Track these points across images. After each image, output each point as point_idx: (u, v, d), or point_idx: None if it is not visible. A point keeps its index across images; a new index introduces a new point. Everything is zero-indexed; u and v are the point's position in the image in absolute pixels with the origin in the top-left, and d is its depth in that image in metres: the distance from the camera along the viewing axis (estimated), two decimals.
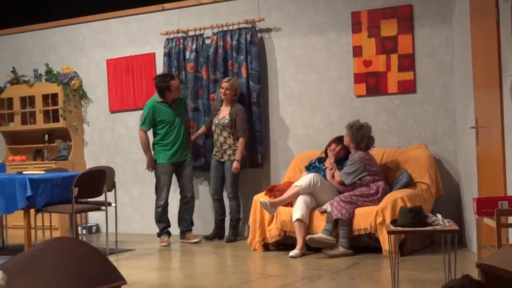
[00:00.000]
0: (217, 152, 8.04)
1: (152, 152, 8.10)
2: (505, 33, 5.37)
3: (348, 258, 6.57)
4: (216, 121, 8.01)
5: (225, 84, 7.94)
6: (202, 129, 8.31)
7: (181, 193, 8.10)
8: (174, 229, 8.18)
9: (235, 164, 7.85)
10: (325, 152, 7.46)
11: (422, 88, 7.60)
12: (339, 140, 7.33)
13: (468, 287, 2.87)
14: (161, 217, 8.03)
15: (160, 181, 8.02)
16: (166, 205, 8.04)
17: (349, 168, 7.00)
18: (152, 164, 8.06)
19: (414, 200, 6.56)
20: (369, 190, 6.89)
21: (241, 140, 7.89)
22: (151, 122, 8.02)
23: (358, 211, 6.75)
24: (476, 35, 6.29)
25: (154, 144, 8.09)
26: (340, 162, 7.26)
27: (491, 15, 5.63)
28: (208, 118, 8.28)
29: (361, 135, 7.04)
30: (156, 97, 8.06)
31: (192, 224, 8.14)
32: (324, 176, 7.20)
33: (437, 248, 6.08)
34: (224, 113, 7.97)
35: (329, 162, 7.28)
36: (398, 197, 6.63)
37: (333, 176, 7.16)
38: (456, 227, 5.02)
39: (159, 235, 8.04)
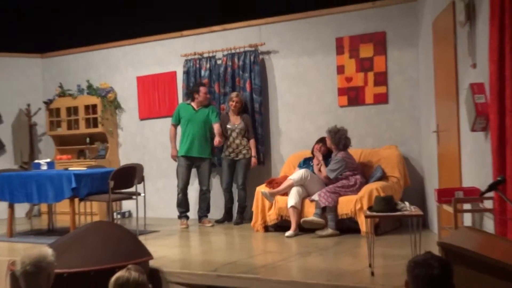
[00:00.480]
0: (232, 152, 7.93)
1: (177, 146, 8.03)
2: (461, 54, 5.35)
3: (334, 237, 6.54)
4: (231, 127, 7.92)
5: (235, 98, 7.89)
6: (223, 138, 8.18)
7: (199, 185, 8.00)
8: (193, 214, 8.10)
9: (254, 160, 7.86)
10: (312, 152, 7.42)
11: (393, 99, 7.56)
12: (320, 140, 7.33)
13: (430, 260, 2.81)
14: (180, 203, 7.94)
15: (178, 172, 7.96)
16: (184, 192, 7.93)
17: (333, 166, 6.97)
18: (175, 155, 7.98)
19: (386, 190, 6.54)
20: (349, 183, 6.87)
21: (252, 140, 7.89)
22: (177, 118, 7.96)
23: (341, 199, 6.73)
24: (437, 56, 6.27)
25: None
26: (324, 158, 7.23)
27: (450, 39, 5.62)
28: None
29: (339, 137, 7.02)
30: (187, 100, 8.07)
31: (208, 211, 8.05)
32: (313, 171, 7.16)
33: (405, 229, 6.03)
34: (237, 121, 7.91)
35: (317, 160, 7.22)
36: (373, 188, 6.62)
37: (320, 170, 7.10)
38: (420, 212, 5.02)
39: (180, 218, 7.95)
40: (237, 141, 7.91)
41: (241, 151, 7.90)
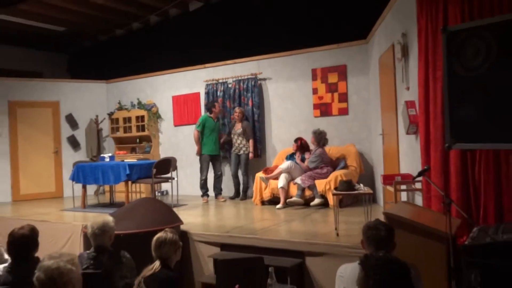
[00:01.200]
0: (236, 149, 7.90)
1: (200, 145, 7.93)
2: (399, 80, 5.35)
3: (308, 209, 6.48)
4: (233, 132, 7.91)
5: (237, 110, 7.86)
6: (226, 136, 8.15)
7: (214, 172, 7.95)
8: (211, 193, 8.06)
9: (251, 155, 7.78)
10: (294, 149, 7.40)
11: (352, 112, 7.51)
12: (295, 141, 7.29)
13: (378, 225, 2.82)
14: (203, 186, 7.89)
15: (202, 165, 7.88)
16: (206, 179, 7.88)
17: (313, 159, 6.92)
18: (200, 152, 7.87)
19: (347, 176, 6.50)
20: (322, 171, 6.81)
21: (251, 141, 7.81)
22: (202, 126, 7.85)
23: (316, 182, 6.67)
24: (382, 81, 6.26)
25: (201, 141, 7.90)
26: (301, 152, 7.20)
27: (390, 70, 5.61)
28: (228, 131, 8.12)
29: (320, 137, 7.00)
30: (207, 113, 7.96)
31: (221, 190, 8.00)
32: (296, 162, 7.09)
33: (360, 203, 6.01)
34: (238, 127, 7.86)
35: (298, 155, 7.21)
36: (338, 174, 6.59)
37: (301, 161, 7.08)
38: (371, 191, 5.04)
39: (202, 196, 7.92)
40: (239, 141, 7.87)
41: (241, 148, 7.85)
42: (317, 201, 6.57)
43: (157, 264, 3.07)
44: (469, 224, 3.61)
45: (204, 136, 7.82)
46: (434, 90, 4.01)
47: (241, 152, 7.85)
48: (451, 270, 2.99)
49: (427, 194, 4.18)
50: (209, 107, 8.03)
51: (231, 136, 7.96)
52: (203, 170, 7.86)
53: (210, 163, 7.91)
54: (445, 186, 3.90)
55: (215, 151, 7.85)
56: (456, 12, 3.83)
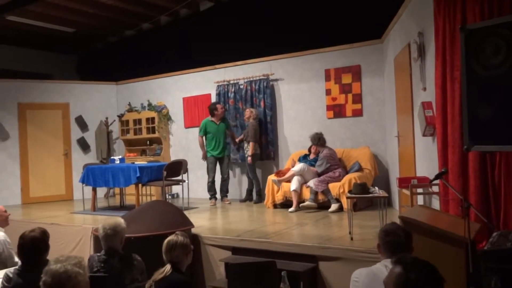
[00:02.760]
0: (245, 152, 7.90)
1: (205, 149, 7.96)
2: (415, 81, 5.31)
3: (322, 213, 6.44)
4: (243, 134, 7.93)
5: (246, 111, 7.90)
6: (241, 137, 8.12)
7: (221, 174, 7.96)
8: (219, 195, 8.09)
9: (249, 158, 7.68)
10: (309, 150, 7.37)
11: (366, 113, 7.47)
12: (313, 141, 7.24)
13: (397, 230, 2.80)
14: (210, 188, 7.90)
15: (208, 167, 7.89)
16: (213, 181, 7.87)
17: (319, 162, 6.89)
18: (205, 157, 7.89)
19: (362, 178, 6.46)
20: (334, 174, 6.76)
21: (251, 143, 7.67)
22: (204, 131, 7.88)
23: (330, 186, 6.63)
24: (398, 82, 6.23)
25: (206, 145, 7.95)
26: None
27: (406, 70, 5.58)
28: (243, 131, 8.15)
29: (317, 138, 6.97)
30: (209, 117, 7.95)
31: (227, 192, 7.99)
32: (310, 165, 7.06)
33: (375, 207, 5.98)
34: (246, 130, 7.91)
35: (314, 155, 7.19)
36: (352, 177, 6.55)
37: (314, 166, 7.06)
38: (386, 194, 4.99)
39: (210, 198, 7.93)
40: (245, 145, 7.85)
41: (246, 152, 7.80)
42: (333, 207, 6.49)
43: (168, 267, 3.07)
44: (489, 228, 3.57)
45: (208, 139, 7.86)
46: (451, 91, 3.98)
47: (246, 155, 7.83)
48: (470, 275, 2.95)
49: (445, 197, 4.14)
50: (211, 110, 7.95)
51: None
52: (209, 173, 7.88)
53: (218, 165, 7.93)
54: (463, 189, 3.86)
55: (219, 153, 7.85)
56: (475, 10, 3.79)
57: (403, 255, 1.98)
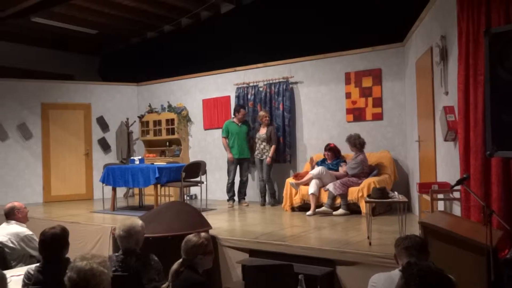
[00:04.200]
0: (259, 153, 7.89)
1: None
2: (437, 85, 5.25)
3: (343, 217, 6.43)
4: (258, 136, 7.90)
5: (264, 114, 7.86)
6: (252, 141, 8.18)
7: (240, 176, 8.00)
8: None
9: (268, 159, 7.72)
10: (324, 155, 7.34)
11: (386, 117, 7.42)
12: (327, 149, 7.23)
13: (409, 235, 2.80)
14: (229, 190, 7.95)
15: (228, 168, 7.97)
16: (232, 183, 7.93)
17: (353, 165, 6.78)
18: (232, 158, 7.91)
19: (381, 183, 6.41)
20: (358, 180, 6.65)
21: (273, 147, 7.76)
22: (226, 132, 7.96)
23: (349, 189, 6.59)
24: (419, 86, 6.17)
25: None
26: (334, 159, 7.14)
27: (428, 74, 5.52)
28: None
29: (353, 140, 6.87)
30: (232, 118, 8.04)
31: (245, 195, 8.04)
32: (328, 169, 7.03)
33: (394, 212, 5.92)
34: (263, 131, 7.86)
35: (329, 160, 7.15)
36: (371, 181, 6.50)
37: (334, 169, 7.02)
38: (406, 199, 4.95)
39: (228, 200, 7.97)
40: (262, 146, 7.86)
41: (264, 153, 7.83)
42: (341, 211, 6.52)
43: (181, 261, 3.09)
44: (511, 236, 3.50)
45: (229, 140, 7.92)
46: (474, 95, 3.92)
47: (264, 157, 7.84)
48: (492, 284, 2.90)
49: (466, 204, 4.07)
50: (235, 110, 8.09)
51: (255, 140, 7.97)
52: (229, 174, 7.95)
53: (238, 167, 7.95)
54: (485, 195, 3.79)
55: (240, 154, 7.89)
56: (500, 13, 3.73)
57: (413, 262, 1.96)
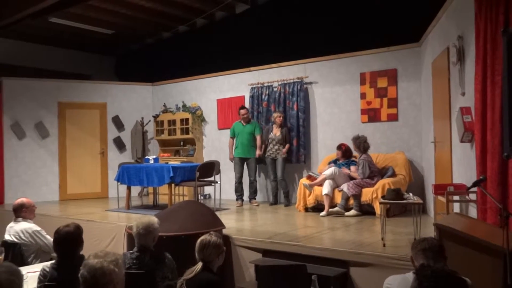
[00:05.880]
0: (272, 153, 7.89)
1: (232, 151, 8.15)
2: (453, 85, 5.19)
3: (357, 218, 6.41)
4: (271, 137, 7.91)
5: (279, 115, 7.88)
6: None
7: (248, 176, 8.06)
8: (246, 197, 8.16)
9: (283, 150, 7.78)
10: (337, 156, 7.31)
11: (401, 118, 7.36)
12: (338, 147, 7.19)
13: (426, 238, 2.77)
14: (237, 189, 8.03)
15: (235, 168, 8.06)
16: (240, 182, 8.01)
17: (360, 170, 6.75)
18: (232, 157, 8.09)
19: (396, 184, 6.35)
20: (372, 181, 6.65)
21: (287, 146, 7.83)
22: (233, 132, 8.11)
23: (363, 190, 6.58)
24: (435, 86, 6.10)
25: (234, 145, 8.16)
26: (345, 158, 7.12)
27: (445, 74, 5.46)
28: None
29: (359, 142, 6.86)
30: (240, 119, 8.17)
31: (256, 193, 8.09)
32: (340, 167, 7.01)
33: (409, 213, 5.86)
34: (277, 132, 7.88)
35: (341, 159, 7.14)
36: (386, 182, 6.46)
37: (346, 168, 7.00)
38: (421, 201, 4.89)
39: (236, 199, 8.06)
40: (276, 147, 7.87)
41: (278, 153, 7.84)
42: (353, 212, 6.50)
43: (199, 266, 3.10)
44: None
45: (235, 140, 8.05)
46: (492, 96, 3.87)
47: (278, 156, 7.84)
48: (508, 287, 2.86)
49: (483, 206, 4.02)
50: (238, 111, 8.22)
51: (269, 141, 7.97)
52: (235, 173, 8.04)
53: (245, 167, 8.02)
54: (502, 198, 3.74)
55: (243, 154, 7.97)
56: None
57: (427, 265, 1.94)
